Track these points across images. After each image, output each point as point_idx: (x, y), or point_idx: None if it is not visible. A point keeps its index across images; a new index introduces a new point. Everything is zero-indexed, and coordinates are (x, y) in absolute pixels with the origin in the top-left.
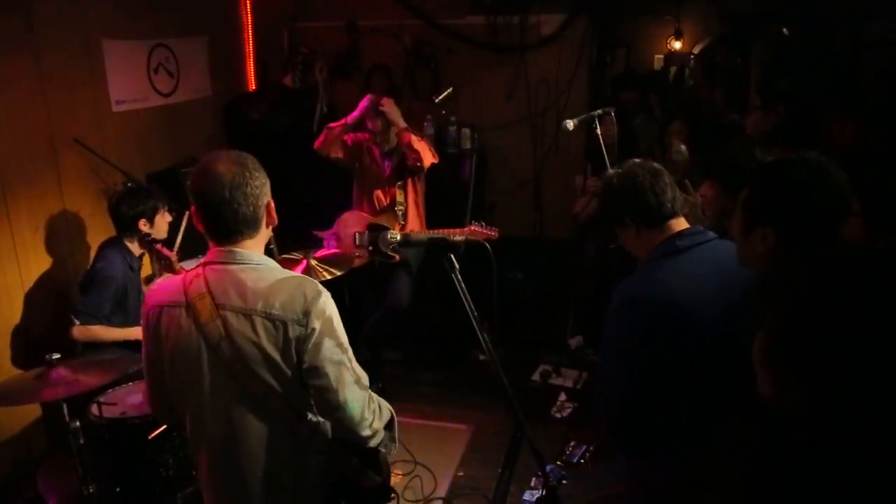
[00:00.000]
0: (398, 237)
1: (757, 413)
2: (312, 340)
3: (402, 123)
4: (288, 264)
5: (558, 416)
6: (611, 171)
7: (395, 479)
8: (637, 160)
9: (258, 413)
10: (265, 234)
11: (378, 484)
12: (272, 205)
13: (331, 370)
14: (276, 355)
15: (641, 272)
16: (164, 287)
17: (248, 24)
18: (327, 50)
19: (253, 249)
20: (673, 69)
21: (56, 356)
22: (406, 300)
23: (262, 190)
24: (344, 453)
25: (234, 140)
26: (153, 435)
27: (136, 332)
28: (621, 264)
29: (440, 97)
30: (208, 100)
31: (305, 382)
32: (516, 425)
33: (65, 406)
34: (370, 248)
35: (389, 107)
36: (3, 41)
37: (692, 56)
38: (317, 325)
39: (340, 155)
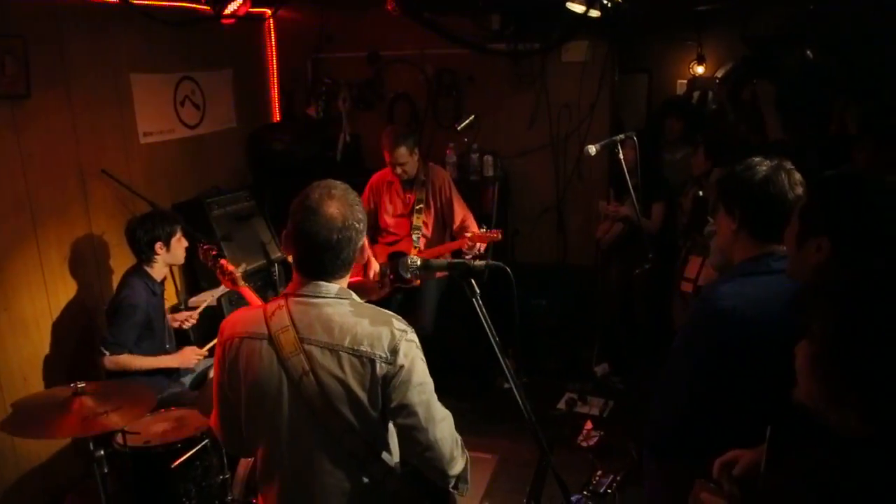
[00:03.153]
0: (418, 262)
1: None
2: (400, 378)
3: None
4: None
5: (584, 444)
6: (759, 158)
7: None
8: (790, 167)
9: (334, 450)
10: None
11: None
12: (366, 244)
13: (420, 409)
14: (360, 393)
15: (730, 283)
16: (243, 318)
17: (272, 56)
18: (350, 80)
19: (338, 283)
20: (696, 94)
21: (82, 385)
22: (430, 325)
23: (360, 233)
24: (416, 495)
25: (259, 171)
26: (176, 464)
27: (164, 361)
28: (646, 290)
29: (462, 125)
30: (233, 131)
31: (392, 421)
32: (541, 455)
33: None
34: (391, 276)
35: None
36: (36, 75)
37: (716, 80)
38: (405, 362)
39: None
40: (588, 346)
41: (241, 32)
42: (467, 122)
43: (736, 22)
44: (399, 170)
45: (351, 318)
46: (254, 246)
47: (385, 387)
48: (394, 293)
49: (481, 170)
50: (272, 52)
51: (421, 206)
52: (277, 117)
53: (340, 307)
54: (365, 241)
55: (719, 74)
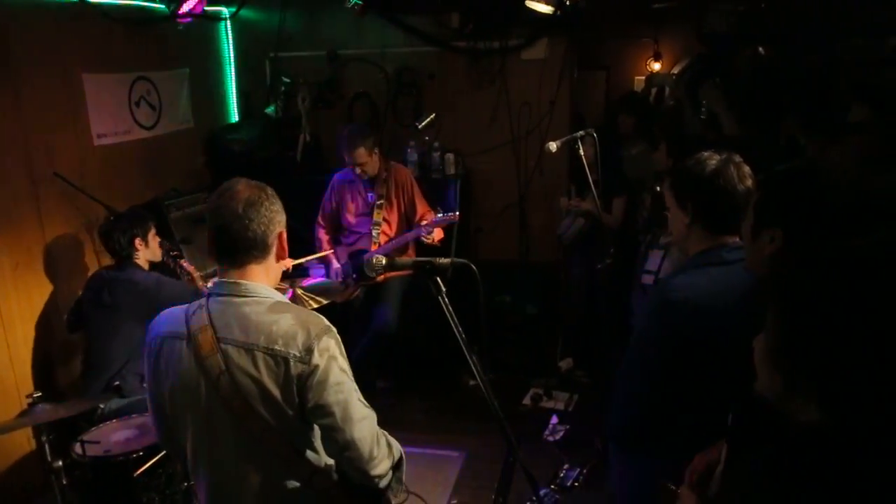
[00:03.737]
0: (383, 262)
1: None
2: (316, 378)
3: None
4: None
5: (551, 439)
6: (709, 152)
7: None
8: (738, 160)
9: (256, 449)
10: (274, 267)
11: None
12: (284, 236)
13: (336, 409)
14: (276, 392)
15: (683, 276)
16: (167, 317)
17: (229, 56)
18: (309, 79)
19: (260, 281)
20: (654, 90)
21: (38, 394)
22: (393, 324)
23: (278, 217)
24: (346, 495)
25: (218, 172)
26: (138, 472)
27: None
28: (608, 284)
29: (423, 123)
30: (191, 132)
31: (310, 421)
32: (509, 450)
33: (47, 446)
34: (355, 275)
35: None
36: None
37: (673, 76)
38: (320, 362)
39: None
40: (552, 341)
41: (198, 31)
42: (428, 120)
43: (692, 19)
44: (359, 170)
45: (268, 317)
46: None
47: (300, 387)
48: (362, 295)
49: (443, 168)
50: (229, 51)
51: (382, 202)
52: (236, 117)
53: (258, 305)
54: (324, 237)
55: (676, 71)
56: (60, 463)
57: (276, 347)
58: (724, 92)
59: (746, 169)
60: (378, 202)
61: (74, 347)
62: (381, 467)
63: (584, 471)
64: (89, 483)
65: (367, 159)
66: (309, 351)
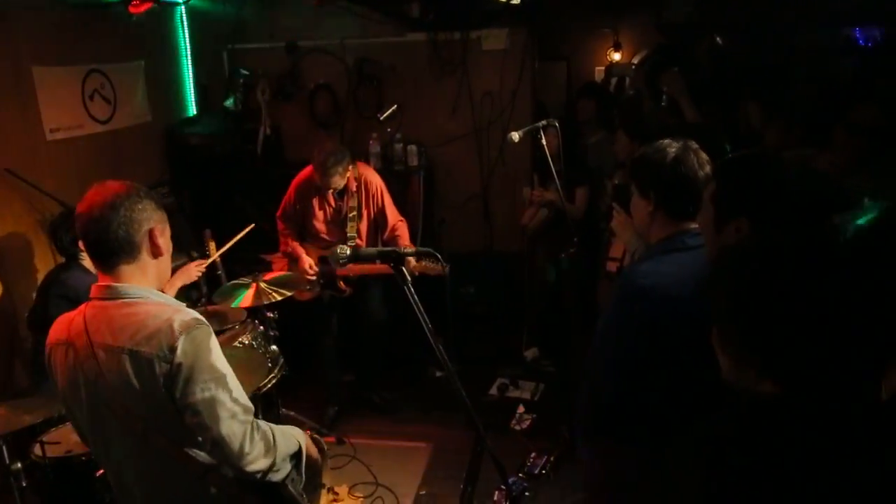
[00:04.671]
0: (347, 252)
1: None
2: (180, 377)
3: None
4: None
5: (518, 428)
6: (668, 140)
7: (357, 502)
8: (695, 147)
9: (144, 448)
10: (153, 265)
11: None
12: (156, 233)
13: (203, 407)
14: (148, 392)
15: (649, 263)
16: (57, 324)
17: (185, 48)
18: (268, 72)
19: (133, 282)
20: (614, 80)
21: None
22: (382, 314)
23: (143, 215)
24: (243, 490)
25: (177, 166)
26: (101, 472)
27: (166, 286)
28: (572, 273)
29: (385, 114)
30: (148, 125)
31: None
32: (476, 439)
33: (4, 448)
34: (321, 282)
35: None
36: None
37: (633, 66)
38: (182, 360)
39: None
40: (517, 331)
41: (153, 23)
42: (390, 111)
43: (651, 10)
44: (331, 189)
45: (136, 318)
46: (174, 244)
47: (167, 386)
48: (329, 296)
49: (405, 160)
50: (185, 43)
51: (354, 214)
52: (194, 110)
53: (128, 307)
54: (295, 247)
55: (636, 61)
56: (20, 465)
57: (141, 349)
58: (684, 80)
59: (704, 155)
60: (350, 215)
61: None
62: (257, 464)
63: (552, 459)
64: (50, 484)
65: (341, 182)
66: (172, 350)
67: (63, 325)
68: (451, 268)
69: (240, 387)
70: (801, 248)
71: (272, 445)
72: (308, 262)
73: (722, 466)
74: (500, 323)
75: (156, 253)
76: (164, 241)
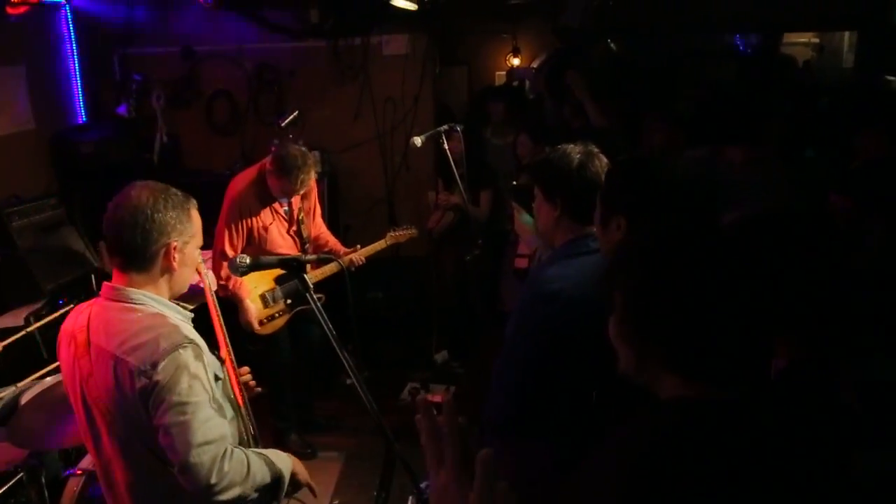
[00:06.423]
0: (247, 261)
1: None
2: (154, 394)
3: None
4: None
5: None
6: (570, 145)
7: None
8: (596, 150)
9: (128, 450)
10: (162, 276)
11: None
12: (172, 249)
13: (174, 430)
14: (128, 401)
15: (555, 268)
16: (73, 313)
17: (70, 52)
18: (164, 77)
19: (145, 289)
20: (515, 84)
21: None
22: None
23: (164, 228)
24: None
25: (66, 176)
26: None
27: None
28: (478, 275)
29: (286, 121)
30: (32, 133)
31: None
32: (387, 446)
33: None
34: (288, 300)
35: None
36: None
37: (534, 69)
38: (160, 378)
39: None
40: (426, 334)
41: (35, 25)
42: (291, 117)
43: (547, 15)
44: (297, 194)
45: (129, 326)
46: (66, 257)
47: (143, 400)
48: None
49: None
50: (72, 46)
51: (302, 215)
52: (84, 118)
53: (130, 312)
54: (234, 279)
55: (535, 65)
56: None
57: (126, 358)
58: (586, 82)
59: (605, 159)
60: (301, 217)
61: None
62: (227, 494)
63: None
64: None
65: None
66: (153, 366)
67: (72, 316)
68: (358, 273)
69: (215, 415)
70: (691, 239)
71: (246, 475)
72: (249, 315)
73: (646, 473)
74: (409, 327)
75: (167, 269)
76: (184, 257)
